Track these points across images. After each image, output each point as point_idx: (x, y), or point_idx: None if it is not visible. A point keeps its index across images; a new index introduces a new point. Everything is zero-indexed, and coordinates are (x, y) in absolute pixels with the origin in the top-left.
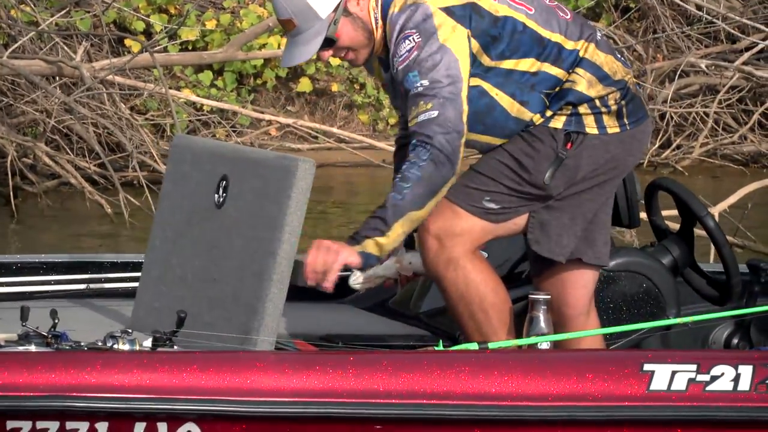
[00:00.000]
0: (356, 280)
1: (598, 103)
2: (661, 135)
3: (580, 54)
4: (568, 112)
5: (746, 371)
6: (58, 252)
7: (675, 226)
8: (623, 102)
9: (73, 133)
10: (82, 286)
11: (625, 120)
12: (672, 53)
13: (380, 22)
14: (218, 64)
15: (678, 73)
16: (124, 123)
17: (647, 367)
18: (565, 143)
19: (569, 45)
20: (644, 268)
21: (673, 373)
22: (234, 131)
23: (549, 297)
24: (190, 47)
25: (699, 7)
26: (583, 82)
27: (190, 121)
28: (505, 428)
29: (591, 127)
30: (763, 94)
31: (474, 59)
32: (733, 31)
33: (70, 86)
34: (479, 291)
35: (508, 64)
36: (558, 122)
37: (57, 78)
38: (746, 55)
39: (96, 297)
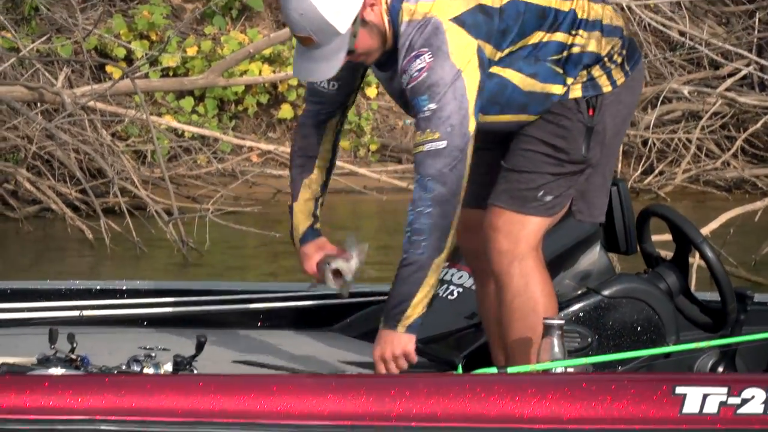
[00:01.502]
0: (341, 286)
1: (607, 61)
2: (643, 161)
3: (578, 14)
4: (584, 78)
5: None
6: (41, 278)
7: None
8: (623, 51)
9: (55, 159)
10: (75, 313)
11: (627, 67)
12: (655, 79)
13: (390, 25)
14: (199, 90)
15: (660, 99)
16: (105, 149)
17: (679, 390)
18: (587, 110)
19: (564, 6)
20: (645, 294)
21: (705, 396)
22: (215, 158)
23: (563, 322)
24: (171, 73)
25: (682, 33)
26: (592, 43)
27: (171, 147)
28: None
29: (606, 86)
30: (746, 120)
31: (488, 63)
32: (716, 57)
33: (51, 112)
34: (536, 292)
35: (515, 47)
36: (576, 91)
37: (38, 104)
38: (729, 81)
39: (90, 324)
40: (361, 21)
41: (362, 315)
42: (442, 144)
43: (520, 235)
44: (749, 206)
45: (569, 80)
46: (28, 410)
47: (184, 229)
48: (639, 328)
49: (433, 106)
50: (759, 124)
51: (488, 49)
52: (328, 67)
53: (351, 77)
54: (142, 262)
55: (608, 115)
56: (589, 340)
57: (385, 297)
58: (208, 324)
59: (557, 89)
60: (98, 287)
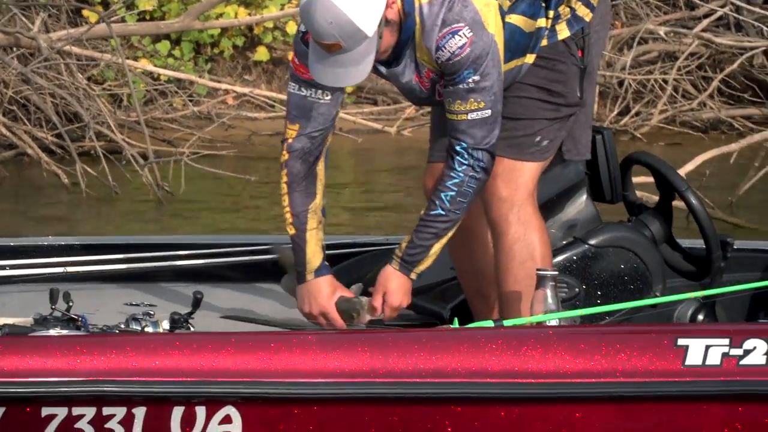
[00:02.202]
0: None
1: None
2: (619, 102)
3: None
4: (568, 15)
5: None
6: (18, 224)
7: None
8: None
9: (31, 104)
10: (59, 270)
11: None
12: (630, 20)
13: (403, 16)
14: (175, 33)
15: (636, 40)
16: (81, 93)
17: (681, 342)
18: (577, 51)
19: None
20: (632, 243)
21: (707, 347)
22: (191, 101)
23: (557, 273)
24: (147, 17)
25: None
26: None
27: (147, 90)
28: (542, 405)
29: (586, 14)
30: (723, 61)
31: (503, 15)
32: None
33: (27, 57)
34: (534, 239)
35: None
36: (563, 31)
37: (14, 48)
38: (705, 22)
39: (72, 281)
40: (385, 21)
41: (344, 266)
42: (487, 112)
43: (519, 182)
44: (725, 148)
45: (551, 13)
46: (31, 372)
47: (159, 172)
48: (626, 278)
49: (477, 77)
50: (735, 65)
51: (506, 3)
52: (357, 71)
53: None
54: (117, 206)
55: (594, 52)
56: (577, 290)
57: (363, 248)
58: (190, 278)
59: (543, 22)
60: (80, 243)
